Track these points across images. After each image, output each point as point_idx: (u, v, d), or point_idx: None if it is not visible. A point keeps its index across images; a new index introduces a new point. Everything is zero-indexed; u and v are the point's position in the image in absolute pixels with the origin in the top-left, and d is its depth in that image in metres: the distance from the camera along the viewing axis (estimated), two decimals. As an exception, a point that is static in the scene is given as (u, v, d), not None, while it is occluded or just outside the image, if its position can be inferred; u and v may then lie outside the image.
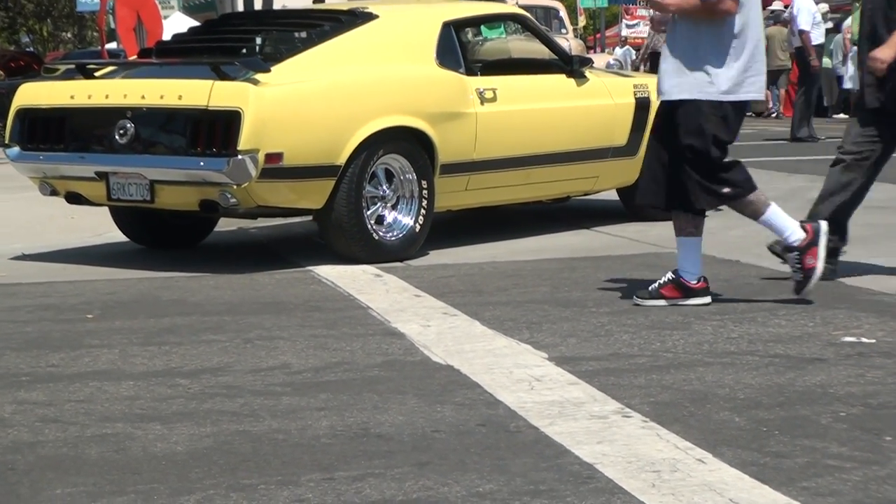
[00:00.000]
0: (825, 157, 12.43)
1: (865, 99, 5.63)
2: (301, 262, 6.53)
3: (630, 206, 7.95)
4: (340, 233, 6.34)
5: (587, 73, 7.51)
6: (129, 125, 6.21)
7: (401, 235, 6.53)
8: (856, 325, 4.73)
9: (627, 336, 4.64)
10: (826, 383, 3.91)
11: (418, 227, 6.56)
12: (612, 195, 8.12)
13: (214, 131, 5.96)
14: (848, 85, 15.34)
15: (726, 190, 5.16)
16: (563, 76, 7.41)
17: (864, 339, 4.50)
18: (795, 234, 5.20)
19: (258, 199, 6.06)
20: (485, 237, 7.16)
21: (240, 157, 5.88)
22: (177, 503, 2.94)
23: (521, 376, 4.07)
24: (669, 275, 5.18)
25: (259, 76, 6.06)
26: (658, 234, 7.29)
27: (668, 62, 5.10)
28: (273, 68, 6.16)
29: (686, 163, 5.09)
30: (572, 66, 7.44)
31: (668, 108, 5.12)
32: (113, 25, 16.00)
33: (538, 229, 7.55)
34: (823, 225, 5.23)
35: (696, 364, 4.19)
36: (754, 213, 5.25)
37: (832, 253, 5.47)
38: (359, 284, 5.85)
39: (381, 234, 6.44)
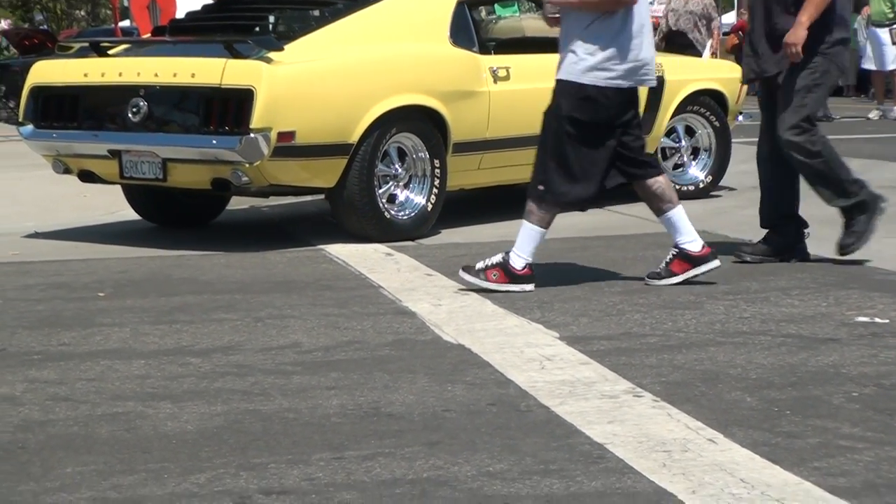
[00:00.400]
0: (840, 137, 12.39)
1: (743, 71, 5.66)
2: (312, 240, 6.53)
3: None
4: (352, 211, 6.33)
5: None
6: (142, 103, 6.22)
7: (413, 214, 6.52)
8: (869, 305, 4.70)
9: (639, 315, 4.63)
10: (839, 363, 3.89)
11: (430, 206, 6.55)
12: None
13: (227, 110, 5.97)
14: (867, 65, 15.21)
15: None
16: None
17: (877, 319, 4.47)
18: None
19: (270, 178, 6.06)
20: (497, 216, 7.15)
21: (252, 135, 5.88)
22: (187, 482, 2.95)
23: (532, 356, 4.06)
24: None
25: (272, 55, 6.05)
26: (671, 214, 7.26)
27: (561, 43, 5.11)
28: (286, 47, 6.15)
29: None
30: None
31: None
32: (126, 3, 15.99)
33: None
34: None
35: (707, 344, 4.18)
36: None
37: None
38: (370, 263, 5.84)
39: (393, 212, 6.44)
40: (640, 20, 5.02)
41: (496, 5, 9.82)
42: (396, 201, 6.50)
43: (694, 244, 5.15)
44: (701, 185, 8.09)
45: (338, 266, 5.85)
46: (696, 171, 8.10)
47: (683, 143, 8.07)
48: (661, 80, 7.61)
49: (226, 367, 4.01)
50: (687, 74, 8.02)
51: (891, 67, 14.65)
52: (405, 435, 3.26)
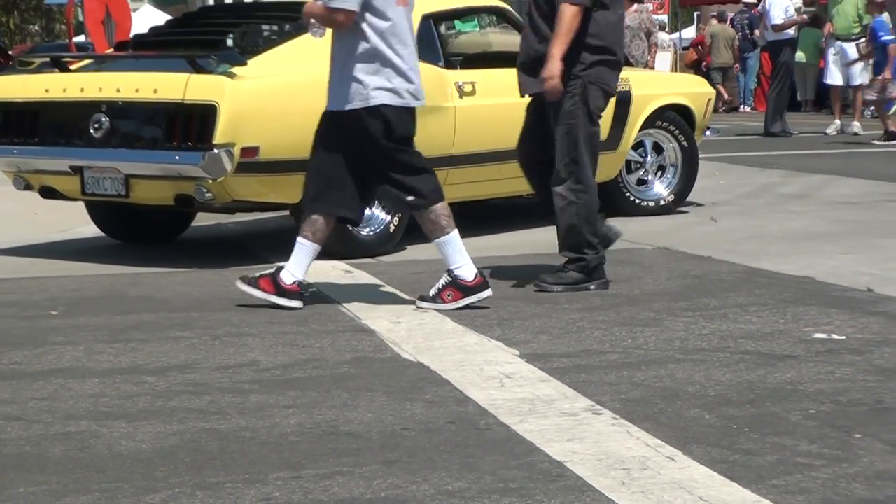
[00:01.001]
0: (799, 152, 12.55)
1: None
2: (272, 258, 6.50)
3: (609, 202, 7.94)
4: None
5: None
6: (103, 119, 6.20)
7: (377, 231, 6.53)
8: (826, 322, 4.76)
9: (599, 333, 4.65)
10: (796, 380, 3.93)
11: (395, 223, 6.55)
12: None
13: (190, 125, 5.96)
14: (829, 81, 15.37)
15: (410, 198, 5.15)
16: None
17: (834, 336, 4.52)
18: (466, 269, 5.11)
19: (234, 194, 6.06)
20: (463, 232, 7.14)
21: (215, 150, 5.88)
22: (142, 502, 2.93)
23: (491, 373, 4.07)
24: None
25: (235, 70, 6.05)
26: (631, 231, 7.30)
27: (330, 71, 5.14)
28: (250, 62, 6.16)
29: (383, 168, 5.07)
30: None
31: (333, 117, 5.09)
32: (81, 18, 15.89)
33: (512, 225, 7.56)
34: (488, 292, 5.12)
35: (667, 361, 4.21)
36: (431, 233, 5.17)
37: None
38: (329, 280, 5.83)
39: (357, 229, 6.43)
40: (392, 39, 5.01)
41: (456, 21, 9.86)
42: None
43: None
44: (663, 203, 8.07)
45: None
46: (661, 188, 8.08)
47: (649, 158, 8.05)
48: (627, 95, 7.67)
49: (182, 385, 3.99)
50: (654, 89, 8.02)
51: (857, 82, 14.81)
52: (363, 454, 3.25)
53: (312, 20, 5.18)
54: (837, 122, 15.19)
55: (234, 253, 6.82)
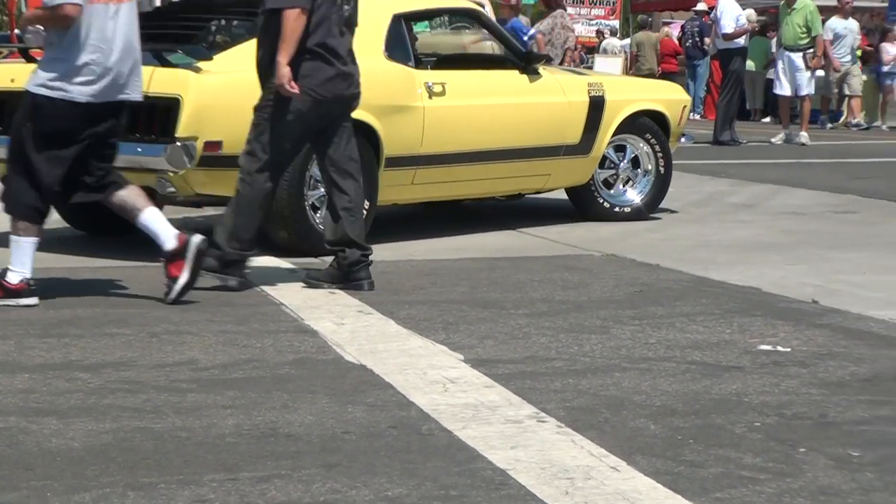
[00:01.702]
0: (748, 161, 12.67)
1: None
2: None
3: (580, 207, 7.98)
4: (281, 224, 6.31)
5: (541, 70, 7.53)
6: None
7: None
8: (772, 333, 4.79)
9: (545, 339, 4.64)
10: (741, 392, 3.95)
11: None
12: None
13: (154, 118, 6.01)
14: (778, 91, 15.53)
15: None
16: (515, 72, 7.42)
17: (779, 348, 4.56)
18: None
19: (197, 187, 6.07)
20: (403, 235, 7.14)
21: (178, 143, 5.92)
22: (72, 501, 2.87)
23: (435, 378, 4.05)
24: None
25: (200, 64, 6.09)
26: (580, 236, 7.34)
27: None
28: (216, 57, 6.19)
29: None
30: (525, 62, 7.45)
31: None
32: (24, 9, 15.64)
33: (459, 228, 7.55)
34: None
35: (613, 369, 4.21)
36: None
37: (233, 264, 5.45)
38: (272, 280, 5.78)
39: (321, 226, 6.40)
40: (102, 33, 5.05)
41: (427, 21, 9.83)
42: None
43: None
44: (634, 208, 7.97)
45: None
46: (633, 194, 8.01)
47: (622, 164, 7.99)
48: (601, 100, 7.69)
49: (116, 383, 3.92)
50: (628, 95, 8.01)
51: (805, 92, 14.98)
52: (302, 457, 3.22)
53: (31, 27, 5.18)
54: (785, 131, 15.37)
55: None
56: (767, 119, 20.21)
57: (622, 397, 3.86)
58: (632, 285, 5.78)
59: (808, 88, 14.90)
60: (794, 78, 14.79)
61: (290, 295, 5.42)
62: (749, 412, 3.72)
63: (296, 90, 5.35)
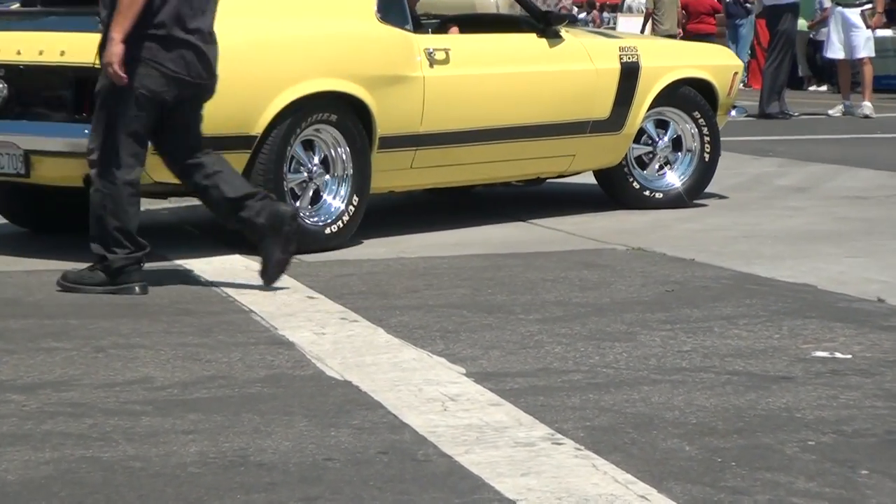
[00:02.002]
0: (800, 138, 12.71)
1: None
2: (168, 254, 6.48)
3: (611, 192, 8.00)
4: None
5: (563, 33, 7.56)
6: (1, 85, 6.23)
7: (329, 221, 6.58)
8: (829, 338, 4.83)
9: (561, 348, 4.68)
10: (793, 406, 3.98)
11: (351, 211, 6.61)
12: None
13: None
14: (829, 54, 15.57)
15: None
16: (532, 35, 7.47)
17: (837, 355, 4.59)
18: None
19: (155, 175, 6.09)
20: (393, 229, 7.18)
21: None
22: (8, 546, 2.91)
23: (432, 395, 4.08)
24: None
25: None
26: (602, 227, 7.38)
27: None
28: None
29: None
30: (545, 24, 7.48)
31: None
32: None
33: (459, 220, 7.59)
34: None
35: (640, 382, 4.24)
36: None
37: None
38: (239, 283, 5.82)
39: (305, 217, 6.47)
40: None
41: None
42: (312, 205, 6.57)
43: None
44: (673, 194, 7.99)
45: (200, 286, 5.81)
46: (673, 178, 8.04)
47: (661, 142, 8.02)
48: (635, 67, 7.72)
49: (57, 405, 3.95)
50: (668, 60, 8.03)
51: (861, 55, 15.01)
52: (278, 489, 3.25)
53: None
54: (844, 102, 15.40)
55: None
56: (822, 87, 20.22)
57: (651, 414, 3.89)
58: (662, 284, 5.81)
59: (865, 50, 14.93)
60: (848, 38, 14.81)
61: (262, 301, 5.45)
62: (802, 429, 3.75)
63: (122, 77, 5.41)
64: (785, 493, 3.24)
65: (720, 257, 6.41)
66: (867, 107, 15.09)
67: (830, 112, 15.31)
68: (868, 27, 14.77)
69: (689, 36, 20.08)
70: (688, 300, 5.48)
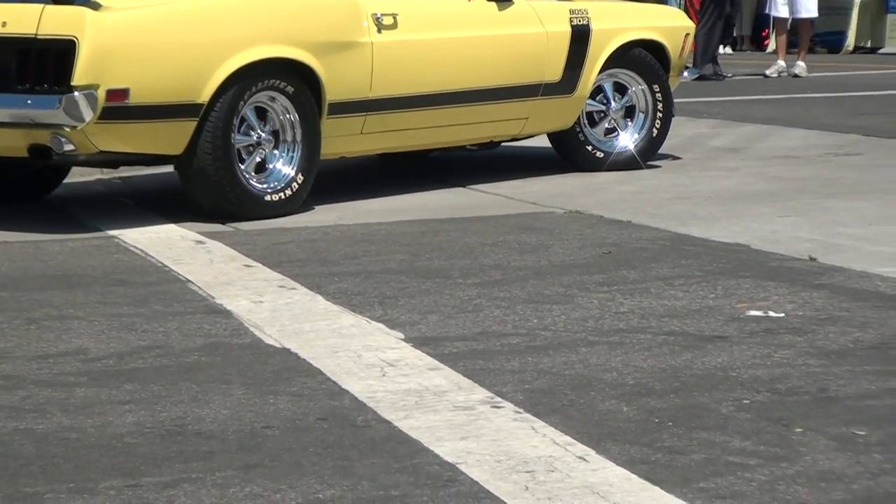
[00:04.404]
0: (733, 98, 12.79)
1: None
2: (101, 226, 6.43)
3: (564, 154, 8.01)
4: (206, 184, 6.37)
5: None
6: None
7: (279, 187, 6.55)
8: (762, 297, 4.87)
9: (499, 312, 4.69)
10: (728, 365, 4.02)
11: (300, 178, 6.58)
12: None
13: (45, 64, 6.01)
14: (773, 12, 15.61)
15: None
16: None
17: (771, 313, 4.63)
18: None
19: (100, 144, 6.08)
20: (330, 196, 7.14)
21: (75, 94, 5.90)
22: (-58, 521, 2.87)
23: (371, 360, 4.07)
24: None
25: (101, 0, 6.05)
26: (538, 191, 7.39)
27: None
28: None
29: None
30: None
31: None
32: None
33: (396, 187, 7.57)
34: None
35: (578, 344, 4.26)
36: None
37: None
38: (175, 253, 5.78)
39: (255, 185, 6.47)
40: None
41: None
42: (260, 172, 6.55)
43: None
44: (626, 155, 7.98)
45: (134, 256, 5.76)
46: (626, 139, 8.03)
47: (613, 104, 8.00)
48: (585, 29, 7.71)
49: (-8, 379, 3.92)
50: (619, 22, 8.01)
51: (806, 15, 15.07)
52: (217, 457, 3.24)
53: None
54: (781, 62, 15.48)
55: (52, 220, 6.70)
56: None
57: (590, 376, 3.91)
58: (599, 246, 5.83)
59: (809, 10, 14.99)
60: None
61: (198, 270, 5.41)
62: (737, 388, 3.78)
63: None
64: (721, 452, 3.26)
65: (656, 219, 6.44)
66: (800, 66, 15.20)
67: (768, 72, 15.40)
68: None
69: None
70: (624, 262, 5.50)
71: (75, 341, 4.34)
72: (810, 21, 15.34)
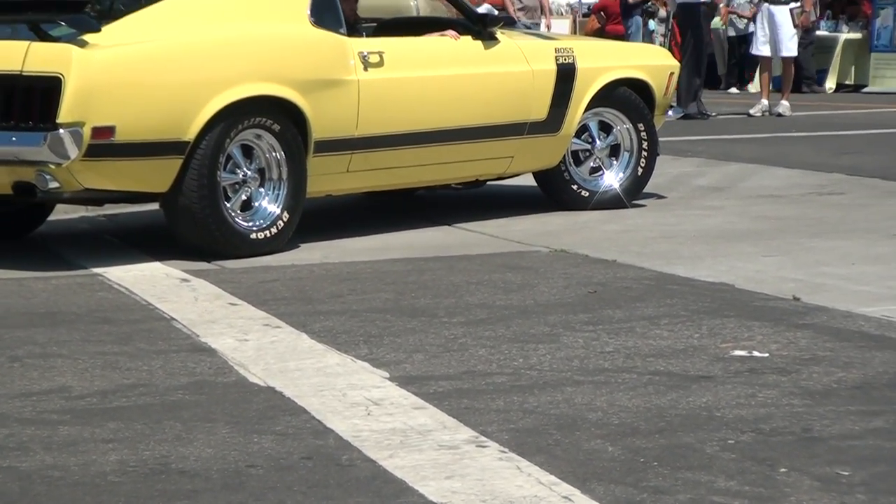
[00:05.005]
0: (718, 137, 12.85)
1: None
2: (85, 263, 6.42)
3: (550, 193, 8.04)
4: (191, 222, 6.38)
5: (498, 35, 7.58)
6: None
7: (265, 225, 6.57)
8: (747, 337, 4.88)
9: (484, 351, 4.69)
10: (713, 405, 4.03)
11: (286, 217, 6.60)
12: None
13: (31, 101, 6.02)
14: (756, 51, 15.70)
15: None
16: (468, 38, 7.49)
17: (755, 353, 4.64)
18: None
19: (85, 182, 6.09)
20: (315, 234, 7.15)
21: (60, 131, 5.91)
22: (-76, 561, 2.86)
23: (356, 399, 4.07)
24: None
25: (87, 37, 6.08)
26: (524, 230, 7.40)
27: None
28: (105, 28, 6.19)
29: None
30: (480, 26, 7.51)
31: None
32: None
33: (381, 225, 7.58)
34: None
35: (563, 383, 4.26)
36: None
37: None
38: (160, 291, 5.77)
39: (241, 223, 6.48)
40: None
41: None
42: (246, 210, 6.56)
43: None
44: (611, 194, 7.99)
45: (119, 294, 5.75)
46: (611, 178, 8.04)
47: (598, 143, 8.03)
48: (571, 68, 7.75)
49: (-25, 417, 3.91)
50: (604, 61, 8.04)
51: (786, 53, 15.16)
52: (201, 496, 3.23)
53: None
54: (764, 101, 15.56)
55: (36, 258, 6.69)
56: (733, 89, 20.46)
57: (575, 416, 3.92)
58: (585, 285, 5.85)
59: (789, 49, 15.09)
60: (777, 37, 14.94)
61: (183, 308, 5.41)
62: (722, 429, 3.79)
63: None
64: (706, 492, 3.27)
65: (641, 258, 6.46)
66: (784, 105, 15.28)
67: (752, 111, 15.48)
68: (795, 26, 14.94)
69: (607, 37, 20.15)
70: (610, 301, 5.51)
71: (59, 379, 4.33)
72: (792, 60, 15.43)
